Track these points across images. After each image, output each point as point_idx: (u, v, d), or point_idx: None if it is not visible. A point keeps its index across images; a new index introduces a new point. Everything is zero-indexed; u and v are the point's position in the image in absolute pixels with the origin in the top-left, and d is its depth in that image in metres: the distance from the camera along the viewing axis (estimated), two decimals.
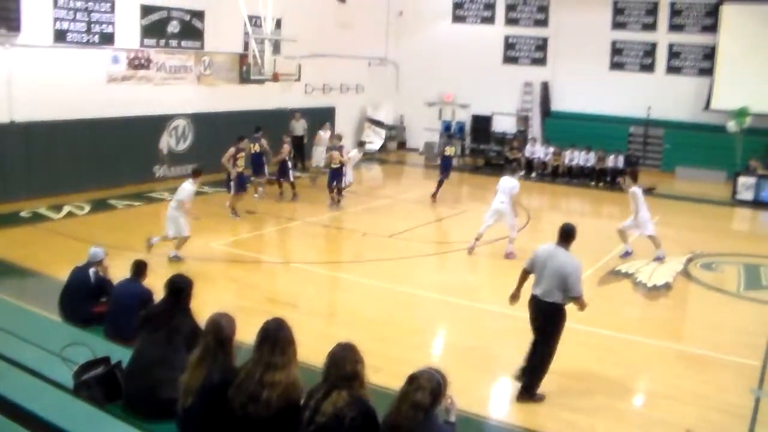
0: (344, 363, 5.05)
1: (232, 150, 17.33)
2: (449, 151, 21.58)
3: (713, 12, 27.28)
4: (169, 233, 13.58)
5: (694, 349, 10.57)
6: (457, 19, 31.47)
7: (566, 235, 8.61)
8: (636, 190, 15.15)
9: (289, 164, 19.61)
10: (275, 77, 20.19)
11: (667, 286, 13.45)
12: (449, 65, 29.96)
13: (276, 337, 5.31)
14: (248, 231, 16.57)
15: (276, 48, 20.66)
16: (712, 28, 27.32)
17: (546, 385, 9.02)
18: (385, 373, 6.70)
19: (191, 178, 14.06)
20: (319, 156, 22.35)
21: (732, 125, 24.73)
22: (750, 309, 12.65)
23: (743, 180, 23.06)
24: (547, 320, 8.50)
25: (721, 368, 9.92)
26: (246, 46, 21.99)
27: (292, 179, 19.68)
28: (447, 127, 29.60)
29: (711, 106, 27.11)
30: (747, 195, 22.81)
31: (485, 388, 9.08)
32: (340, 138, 19.56)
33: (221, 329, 5.66)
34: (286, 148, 19.37)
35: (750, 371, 9.73)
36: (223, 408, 5.32)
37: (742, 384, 9.30)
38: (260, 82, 21.06)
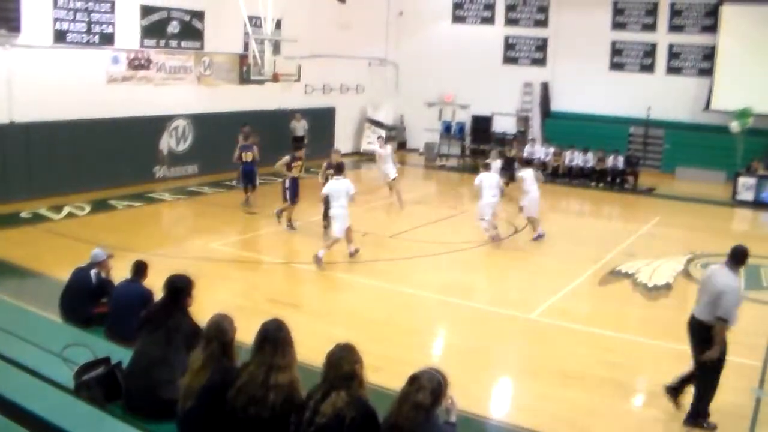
0: (342, 363, 5.06)
1: (287, 158, 16.62)
2: None
3: (713, 12, 27.28)
4: (338, 233, 13.92)
5: None
6: (457, 19, 31.46)
7: (733, 255, 8.31)
8: (525, 173, 16.68)
9: (255, 170, 18.63)
10: (275, 78, 20.18)
11: (668, 287, 13.46)
12: (449, 65, 29.94)
13: (276, 338, 5.32)
14: (248, 231, 16.57)
15: (276, 48, 20.65)
16: (712, 28, 27.32)
17: (545, 386, 9.04)
18: (386, 373, 6.70)
19: (339, 174, 14.31)
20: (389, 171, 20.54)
21: (735, 126, 24.70)
22: (750, 309, 12.63)
23: (743, 180, 23.07)
24: (695, 338, 8.31)
25: (727, 370, 9.90)
26: (246, 46, 21.99)
27: (257, 183, 18.81)
28: (447, 127, 29.62)
29: (711, 106, 27.12)
30: (747, 195, 22.81)
31: (485, 388, 9.08)
32: (339, 153, 17.20)
33: (224, 333, 5.65)
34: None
35: (750, 371, 9.74)
36: (224, 409, 5.32)
37: (742, 384, 9.30)
38: (260, 82, 21.07)
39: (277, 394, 5.18)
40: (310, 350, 5.97)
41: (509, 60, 30.76)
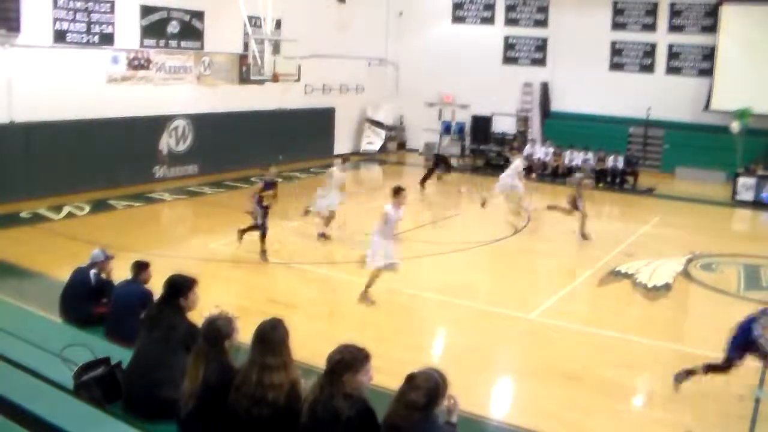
0: (330, 361, 5.07)
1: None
2: None
3: (713, 12, 27.27)
4: None
5: (694, 349, 10.56)
6: (457, 19, 31.47)
7: None
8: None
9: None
10: (275, 78, 20.20)
11: (667, 287, 13.44)
12: (449, 65, 29.91)
13: (265, 338, 5.32)
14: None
15: (276, 48, 20.66)
16: (712, 28, 27.32)
17: (545, 386, 9.04)
18: (386, 374, 6.67)
19: None
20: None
21: (735, 126, 24.69)
22: (750, 310, 12.60)
23: (743, 181, 23.11)
24: None
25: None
26: (246, 46, 22.02)
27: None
28: (447, 127, 29.60)
29: (711, 106, 27.12)
30: (747, 195, 22.84)
31: (485, 389, 9.07)
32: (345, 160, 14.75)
33: (213, 330, 5.64)
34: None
35: (750, 372, 9.73)
36: (225, 409, 5.32)
37: (743, 384, 9.29)
38: (260, 82, 21.07)
39: (277, 394, 5.18)
40: (310, 351, 5.96)
41: (509, 60, 30.75)
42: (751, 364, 9.90)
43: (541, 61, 30.24)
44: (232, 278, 13.17)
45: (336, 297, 12.75)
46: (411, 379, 4.92)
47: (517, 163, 18.76)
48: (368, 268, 11.81)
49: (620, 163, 25.32)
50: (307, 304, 11.91)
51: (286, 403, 5.21)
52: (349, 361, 5.05)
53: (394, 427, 4.85)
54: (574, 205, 16.59)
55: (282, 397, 5.19)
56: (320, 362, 5.17)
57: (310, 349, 5.96)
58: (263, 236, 14.06)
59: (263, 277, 13.69)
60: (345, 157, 17.48)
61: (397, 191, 11.83)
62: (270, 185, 14.20)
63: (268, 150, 23.72)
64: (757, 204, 22.51)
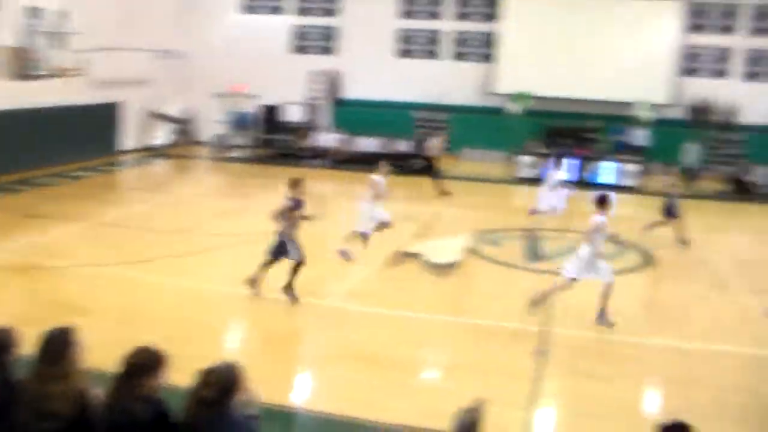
0: (125, 363, 4.98)
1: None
2: None
3: (495, 1, 29.03)
4: None
5: (484, 321, 11.08)
6: (247, 9, 31.36)
7: None
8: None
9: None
10: (57, 72, 19.24)
11: (454, 263, 13.97)
12: (240, 56, 29.73)
13: (48, 347, 5.10)
14: (26, 236, 15.56)
15: (59, 41, 19.66)
16: (495, 16, 29.11)
17: (346, 370, 9.20)
18: (181, 372, 6.64)
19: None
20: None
21: (512, 107, 26.19)
22: (534, 280, 13.39)
23: (523, 159, 24.65)
24: None
25: (507, 336, 10.50)
26: (21, 38, 20.73)
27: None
28: (237, 118, 29.25)
29: (493, 90, 28.72)
30: (527, 173, 24.32)
31: (286, 378, 9.09)
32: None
33: None
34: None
35: (529, 336, 10.35)
36: (10, 428, 5.06)
37: (521, 349, 9.90)
38: (38, 77, 19.92)
39: (60, 405, 4.98)
40: (102, 356, 5.76)
41: (299, 49, 31.03)
42: (747, 352, 10.48)
43: (331, 50, 30.74)
44: (13, 285, 12.34)
45: (125, 298, 12.19)
46: (203, 375, 4.89)
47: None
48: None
49: (408, 147, 26.03)
50: (99, 308, 11.39)
51: (75, 414, 5.02)
52: (145, 363, 4.98)
53: (190, 426, 4.83)
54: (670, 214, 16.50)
55: (67, 407, 5.00)
56: (113, 366, 5.04)
57: (103, 353, 5.78)
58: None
59: (49, 283, 12.78)
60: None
61: (602, 199, 10.93)
62: (299, 204, 11.88)
63: (48, 149, 22.47)
64: (537, 180, 23.90)
